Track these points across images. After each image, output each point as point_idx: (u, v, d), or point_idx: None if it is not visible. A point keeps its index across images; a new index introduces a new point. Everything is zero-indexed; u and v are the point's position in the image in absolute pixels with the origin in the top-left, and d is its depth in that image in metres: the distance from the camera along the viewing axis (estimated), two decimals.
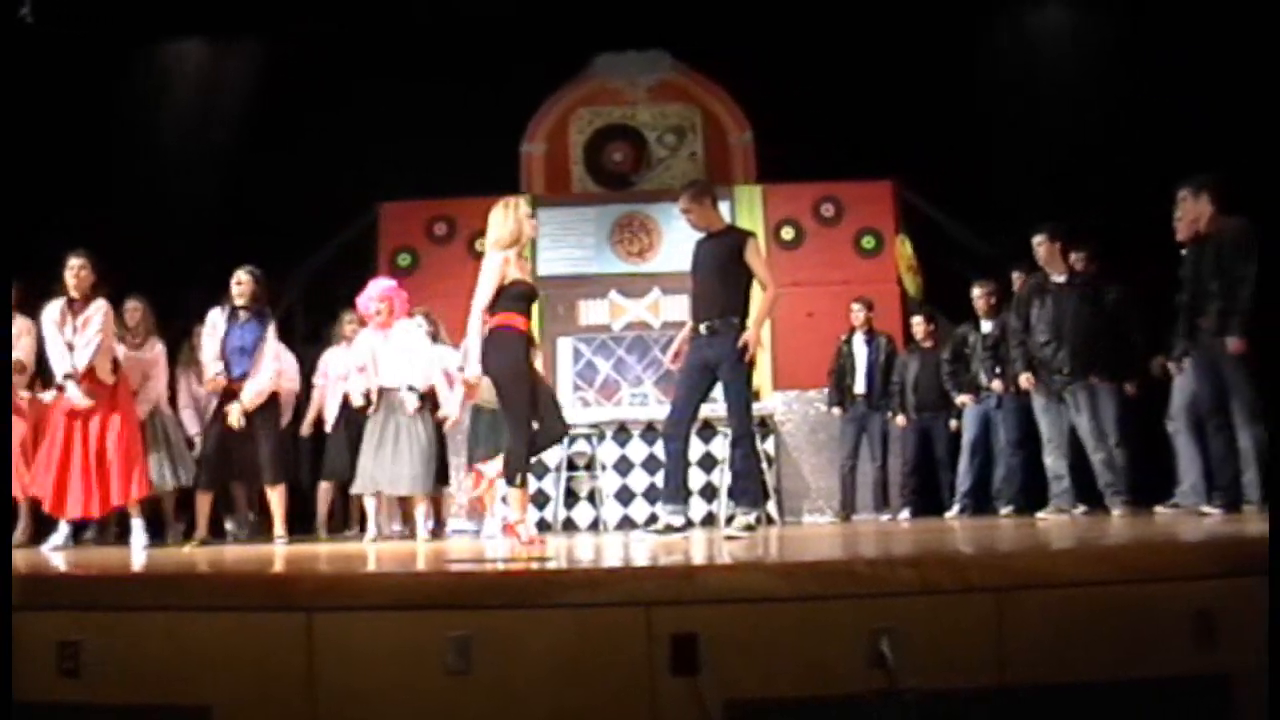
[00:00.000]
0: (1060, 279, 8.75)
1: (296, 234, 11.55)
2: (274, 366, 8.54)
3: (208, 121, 12.01)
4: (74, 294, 7.99)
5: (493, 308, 6.82)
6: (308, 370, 10.24)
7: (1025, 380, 8.82)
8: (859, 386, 11.07)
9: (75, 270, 7.99)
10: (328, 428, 9.83)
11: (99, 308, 8.05)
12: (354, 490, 8.98)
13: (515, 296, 6.86)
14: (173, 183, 11.47)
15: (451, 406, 9.34)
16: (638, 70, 13.47)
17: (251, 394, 8.33)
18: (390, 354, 8.80)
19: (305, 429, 10.14)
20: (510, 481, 6.80)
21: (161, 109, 11.98)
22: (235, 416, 8.28)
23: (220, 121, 12.03)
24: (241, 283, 8.47)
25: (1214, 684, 3.72)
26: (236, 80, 12.21)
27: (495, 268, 6.82)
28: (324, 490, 9.83)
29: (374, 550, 7.07)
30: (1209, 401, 7.55)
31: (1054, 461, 8.72)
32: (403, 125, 11.78)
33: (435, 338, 9.49)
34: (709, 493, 11.10)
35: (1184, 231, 7.89)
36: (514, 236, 6.94)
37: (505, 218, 6.95)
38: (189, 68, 12.25)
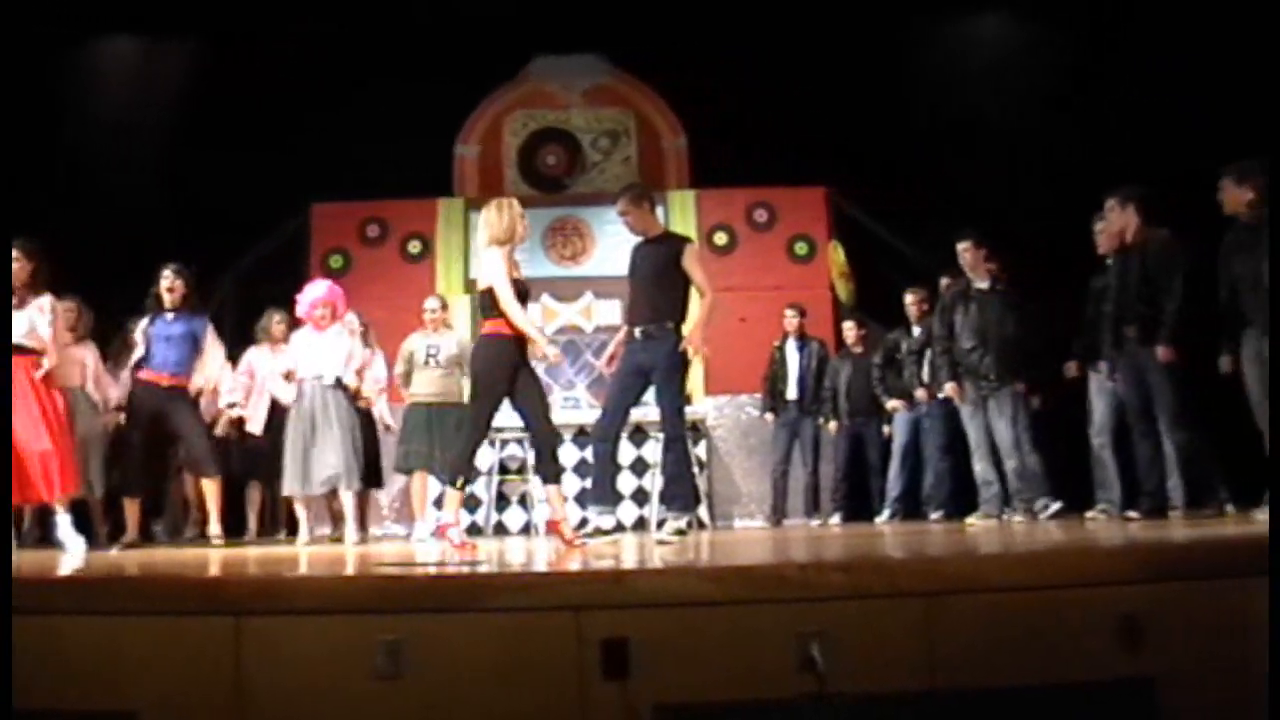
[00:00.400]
0: (984, 285, 8.84)
1: (229, 233, 11.44)
2: (219, 360, 8.54)
3: (140, 119, 11.87)
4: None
5: (485, 310, 6.80)
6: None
7: (950, 389, 8.90)
8: (791, 392, 11.13)
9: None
10: (250, 426, 9.75)
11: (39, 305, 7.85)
12: (283, 493, 8.90)
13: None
14: (103, 180, 11.32)
15: (384, 411, 9.40)
16: (573, 74, 13.48)
17: (224, 397, 8.39)
18: (320, 351, 8.72)
19: (221, 429, 9.94)
20: (450, 483, 6.79)
21: (93, 107, 11.83)
22: (223, 427, 8.37)
23: (153, 119, 11.88)
24: (171, 284, 8.40)
25: (1140, 687, 3.76)
26: (169, 78, 12.07)
27: (502, 264, 6.76)
28: (254, 492, 9.76)
29: (304, 553, 7.01)
30: (1135, 408, 7.67)
31: (982, 467, 8.80)
32: (336, 126, 11.69)
33: (365, 338, 9.47)
34: (640, 497, 11.13)
35: (1108, 243, 8.05)
36: (510, 233, 6.89)
37: (500, 216, 6.88)
38: (121, 65, 12.11)
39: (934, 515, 9.79)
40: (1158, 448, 7.61)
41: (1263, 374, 6.87)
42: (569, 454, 11.11)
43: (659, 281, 7.04)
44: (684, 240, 7.32)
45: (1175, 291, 7.40)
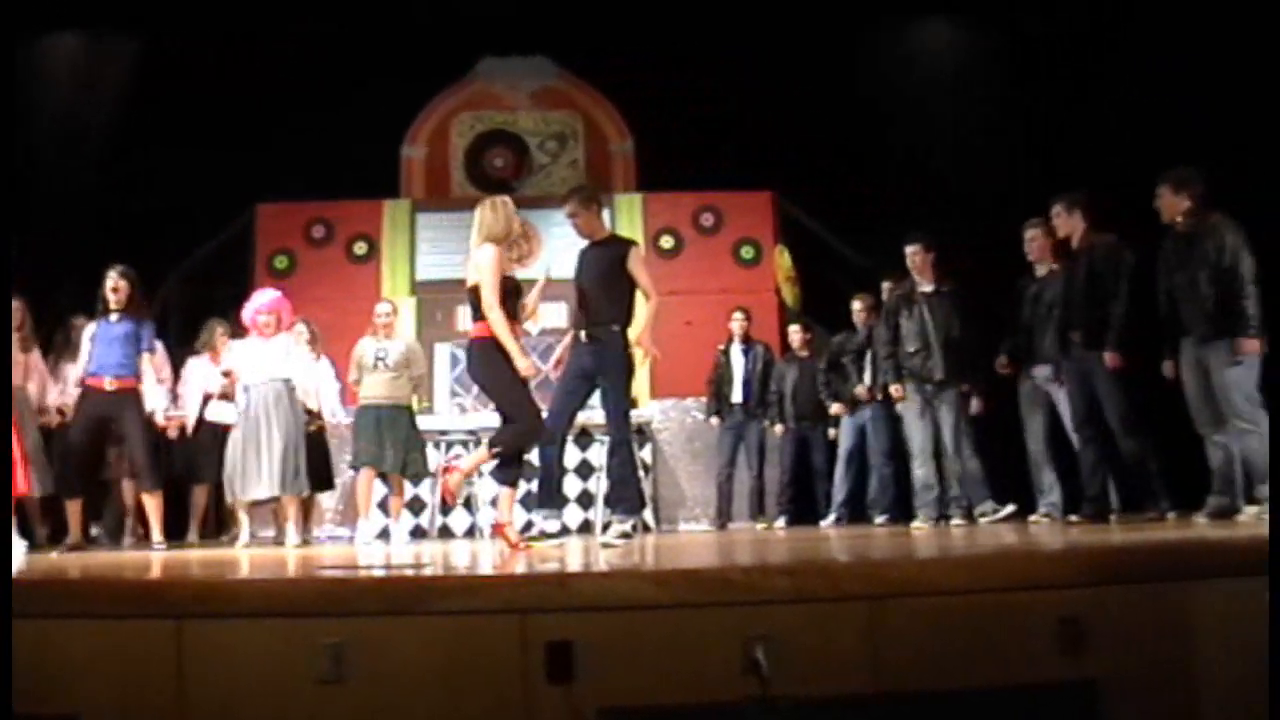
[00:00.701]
0: (929, 288, 8.89)
1: (172, 234, 11.35)
2: (165, 367, 8.49)
3: (84, 118, 11.75)
4: None
5: (476, 310, 6.76)
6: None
7: (895, 391, 8.95)
8: (736, 395, 11.12)
9: None
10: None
11: None
12: (227, 499, 8.85)
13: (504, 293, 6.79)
14: (43, 180, 11.20)
15: (335, 409, 9.40)
16: (520, 76, 13.46)
17: (165, 404, 8.35)
18: (265, 357, 8.66)
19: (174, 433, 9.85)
20: (505, 481, 6.79)
21: (36, 104, 11.68)
22: (174, 431, 8.30)
23: (97, 118, 11.76)
24: (115, 285, 8.34)
25: (1082, 689, 3.80)
26: (114, 76, 11.94)
27: (495, 261, 6.72)
28: (197, 494, 9.69)
29: (246, 556, 6.96)
30: (1080, 414, 7.74)
31: (924, 471, 8.84)
32: (283, 126, 11.62)
33: (314, 346, 9.46)
34: (586, 500, 11.10)
35: (1039, 253, 8.32)
36: (506, 230, 6.87)
37: (496, 214, 6.87)
38: (65, 63, 11.96)
39: (879, 519, 9.82)
40: (1100, 453, 7.68)
41: (1200, 381, 6.96)
42: None
43: (605, 284, 7.04)
44: (629, 243, 7.33)
45: (1121, 296, 7.48)
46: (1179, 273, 7.01)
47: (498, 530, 6.80)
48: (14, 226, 8.40)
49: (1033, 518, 8.41)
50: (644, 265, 7.15)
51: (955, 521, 8.69)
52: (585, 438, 10.92)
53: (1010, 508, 8.69)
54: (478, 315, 6.75)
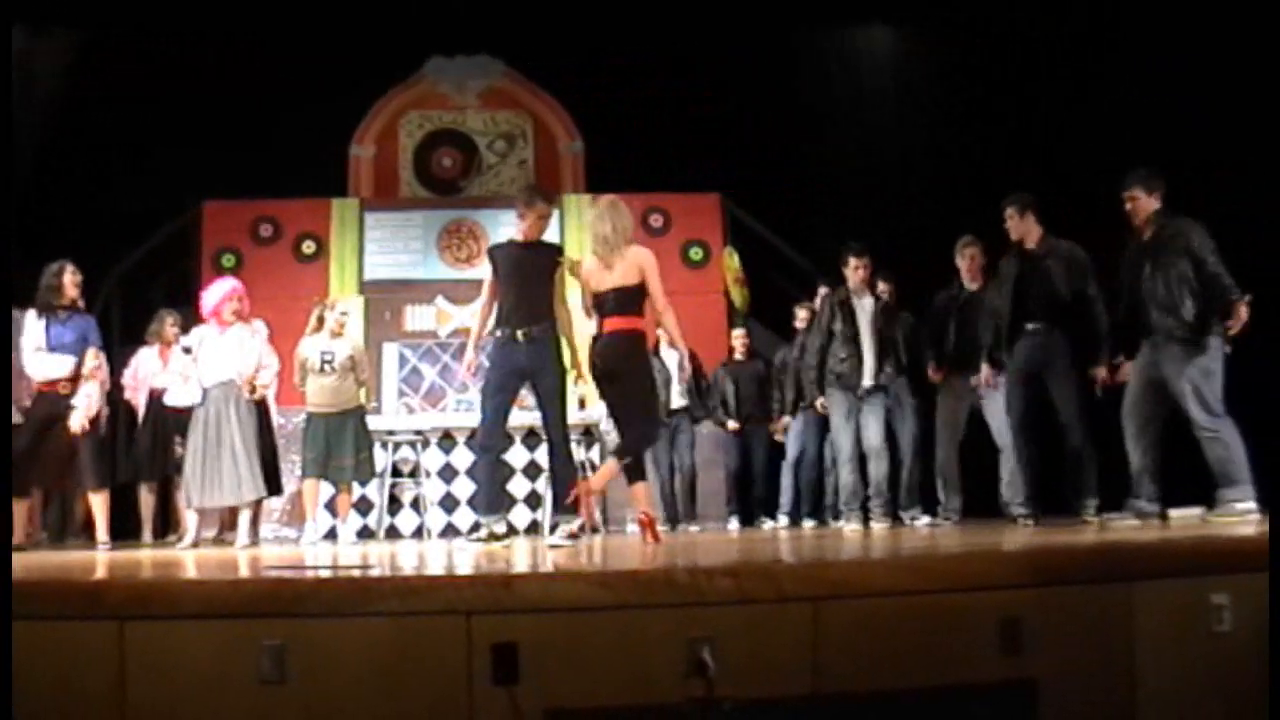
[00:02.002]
0: (864, 296, 8.98)
1: (113, 231, 11.26)
2: (103, 366, 8.42)
3: (21, 112, 11.61)
4: None
5: (623, 305, 6.80)
6: (118, 370, 9.93)
7: (819, 405, 9.08)
8: (675, 400, 11.07)
9: None
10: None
11: None
12: (181, 503, 8.72)
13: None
14: None
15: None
16: (468, 75, 13.47)
17: (91, 400, 8.27)
18: (221, 352, 8.51)
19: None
20: (640, 478, 6.91)
21: None
22: (77, 422, 8.22)
23: (37, 116, 11.64)
24: (61, 280, 8.28)
25: (1021, 689, 3.84)
26: (54, 72, 11.82)
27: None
28: (145, 493, 9.61)
29: (190, 556, 6.91)
30: (1020, 416, 7.80)
31: (853, 479, 8.90)
32: (230, 124, 11.55)
33: (268, 342, 9.41)
34: (534, 500, 11.08)
35: (973, 275, 8.37)
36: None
37: (628, 215, 7.00)
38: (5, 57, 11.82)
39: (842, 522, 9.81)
40: (1039, 454, 7.77)
41: (1144, 385, 7.00)
42: (462, 457, 11.05)
43: (538, 284, 7.05)
44: (558, 249, 7.50)
45: (1098, 298, 7.57)
46: (1150, 276, 6.97)
47: (646, 523, 6.76)
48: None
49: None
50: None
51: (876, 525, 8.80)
52: (534, 438, 10.89)
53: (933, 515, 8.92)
54: (621, 311, 6.76)
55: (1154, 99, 8.83)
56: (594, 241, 6.90)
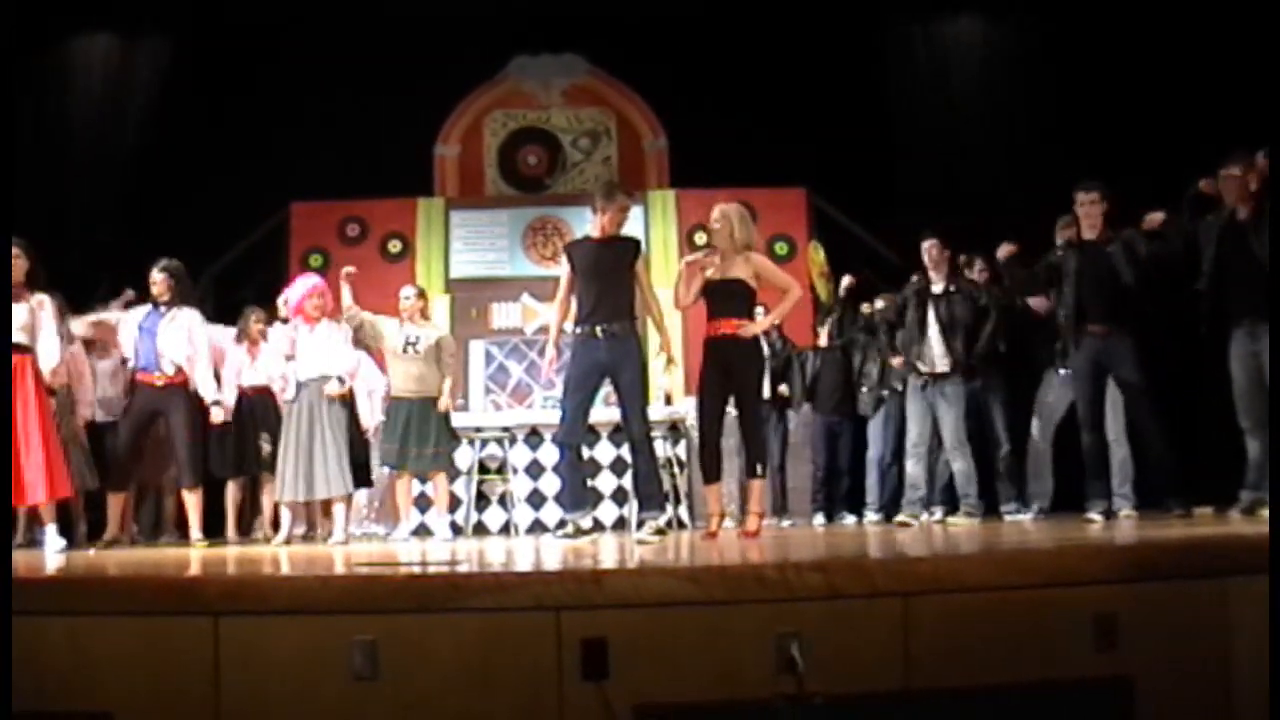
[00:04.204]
0: (939, 287, 8.81)
1: (207, 233, 11.40)
2: (209, 357, 8.54)
3: (116, 118, 11.83)
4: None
5: (740, 306, 7.18)
6: None
7: (896, 361, 9.00)
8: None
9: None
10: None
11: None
12: (275, 498, 8.76)
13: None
14: (80, 180, 11.29)
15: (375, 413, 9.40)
16: (552, 74, 13.49)
17: (213, 392, 8.55)
18: (313, 348, 8.49)
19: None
20: (762, 475, 7.40)
21: (69, 105, 11.77)
22: (219, 416, 8.60)
23: (129, 118, 11.84)
24: (156, 281, 8.39)
25: (1117, 686, 3.78)
26: (146, 76, 12.00)
27: None
28: (232, 490, 9.69)
29: (283, 553, 6.99)
30: (1091, 405, 7.77)
31: (911, 467, 8.79)
32: (316, 125, 11.69)
33: (357, 343, 9.39)
34: (620, 497, 11.07)
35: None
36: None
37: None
38: (97, 63, 12.03)
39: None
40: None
41: (1251, 374, 6.86)
42: (549, 453, 11.04)
43: (619, 280, 7.05)
44: (637, 243, 7.50)
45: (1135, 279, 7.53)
46: (1236, 256, 6.83)
47: (757, 518, 7.16)
48: (49, 231, 8.48)
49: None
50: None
51: (937, 519, 8.76)
52: (620, 434, 10.84)
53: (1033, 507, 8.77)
54: (739, 312, 7.12)
55: (1238, 90, 8.69)
56: (717, 237, 7.31)
